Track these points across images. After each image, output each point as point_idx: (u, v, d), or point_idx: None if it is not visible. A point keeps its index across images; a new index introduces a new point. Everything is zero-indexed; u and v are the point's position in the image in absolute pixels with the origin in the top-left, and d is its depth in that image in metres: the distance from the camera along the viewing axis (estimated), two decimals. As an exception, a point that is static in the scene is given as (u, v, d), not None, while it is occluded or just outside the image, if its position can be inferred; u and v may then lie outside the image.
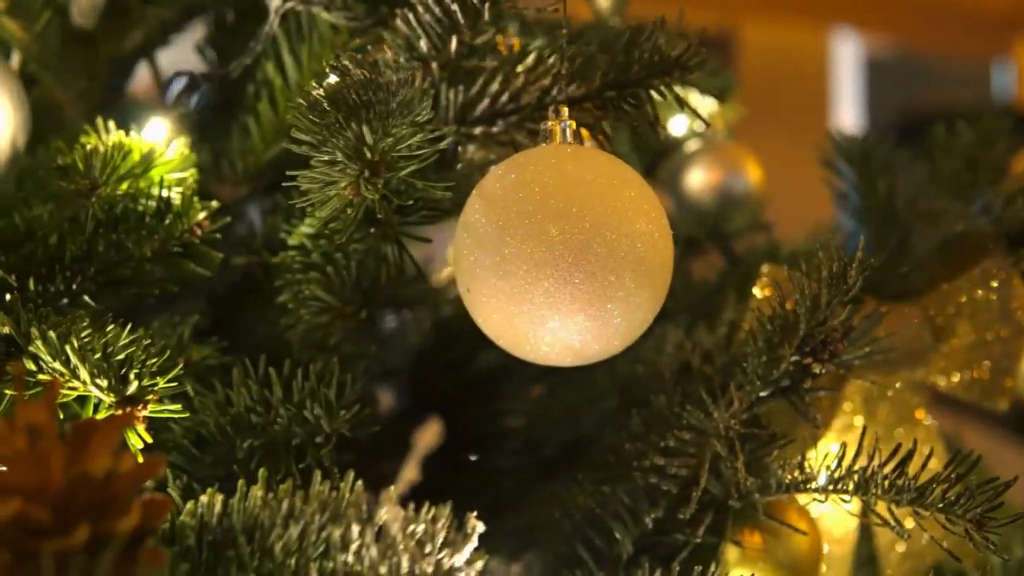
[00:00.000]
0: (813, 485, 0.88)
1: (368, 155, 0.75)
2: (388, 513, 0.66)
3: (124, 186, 0.89)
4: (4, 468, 0.59)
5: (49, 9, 1.09)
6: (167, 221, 0.88)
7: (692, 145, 1.25)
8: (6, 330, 0.79)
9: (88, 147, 0.89)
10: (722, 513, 0.90)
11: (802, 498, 0.93)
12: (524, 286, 0.81)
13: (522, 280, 0.81)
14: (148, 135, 0.94)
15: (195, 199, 0.90)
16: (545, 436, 1.15)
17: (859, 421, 1.09)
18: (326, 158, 0.77)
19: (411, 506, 0.68)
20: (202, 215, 0.90)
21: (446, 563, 0.68)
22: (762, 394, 0.88)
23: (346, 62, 0.83)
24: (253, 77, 1.04)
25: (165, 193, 0.90)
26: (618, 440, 0.96)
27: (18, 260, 0.89)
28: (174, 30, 1.17)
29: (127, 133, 0.93)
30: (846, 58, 4.10)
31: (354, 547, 0.68)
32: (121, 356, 0.76)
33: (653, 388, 1.03)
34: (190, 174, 0.92)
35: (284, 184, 0.83)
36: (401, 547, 0.66)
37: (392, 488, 0.64)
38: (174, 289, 0.89)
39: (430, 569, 0.68)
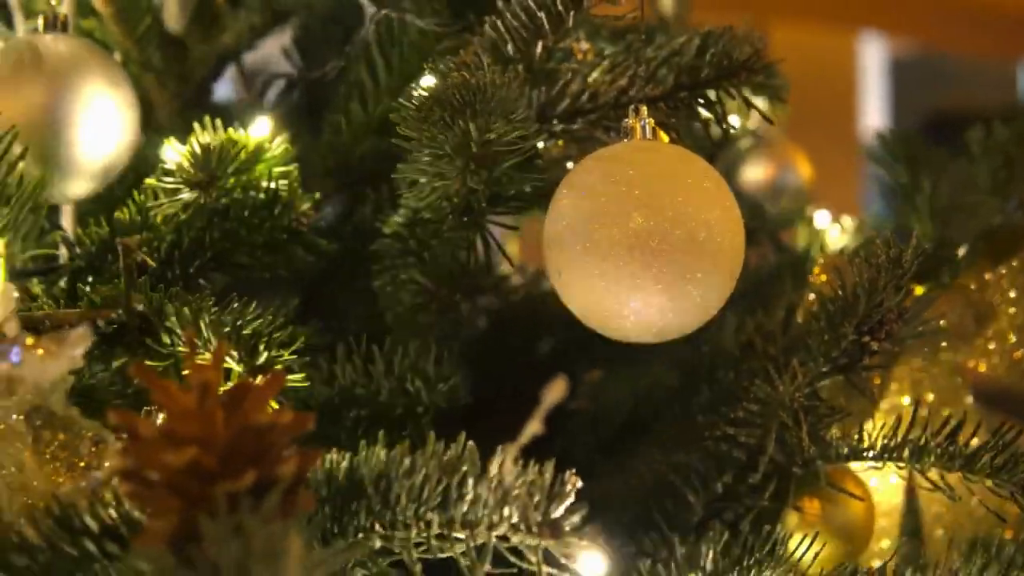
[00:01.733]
0: (871, 453, 0.96)
1: (474, 149, 0.83)
2: (506, 465, 0.74)
3: (235, 179, 0.97)
4: (178, 422, 0.67)
5: (149, 15, 1.17)
6: (276, 211, 0.97)
7: (746, 142, 1.32)
8: (140, 307, 0.87)
9: (203, 143, 0.98)
10: (785, 480, 0.98)
11: (858, 467, 1.00)
12: (611, 270, 0.89)
13: (609, 264, 0.89)
14: (253, 132, 1.02)
15: (300, 191, 0.98)
16: (608, 416, 1.22)
17: (906, 400, 1.17)
18: (430, 153, 0.85)
19: (520, 461, 0.76)
20: (306, 205, 0.98)
21: (552, 513, 0.76)
22: (823, 370, 0.96)
23: (444, 65, 0.91)
24: (344, 78, 1.12)
25: (272, 185, 0.99)
26: (684, 414, 1.04)
27: (138, 246, 0.97)
28: (261, 34, 1.25)
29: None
30: (872, 60, 4.17)
31: (469, 497, 0.76)
32: (249, 330, 0.85)
33: (715, 366, 1.11)
34: (293, 168, 1.00)
35: (373, 177, 0.91)
36: (514, 497, 0.74)
37: (514, 442, 0.72)
38: (283, 274, 0.97)
39: (539, 518, 0.76)
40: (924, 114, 3.79)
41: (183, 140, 1.06)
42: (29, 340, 0.74)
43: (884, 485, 1.13)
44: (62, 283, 0.98)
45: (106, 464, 0.78)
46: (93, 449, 0.78)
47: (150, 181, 1.02)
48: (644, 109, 0.93)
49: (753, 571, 0.92)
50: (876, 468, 0.97)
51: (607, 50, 1.06)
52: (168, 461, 0.66)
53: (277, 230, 0.96)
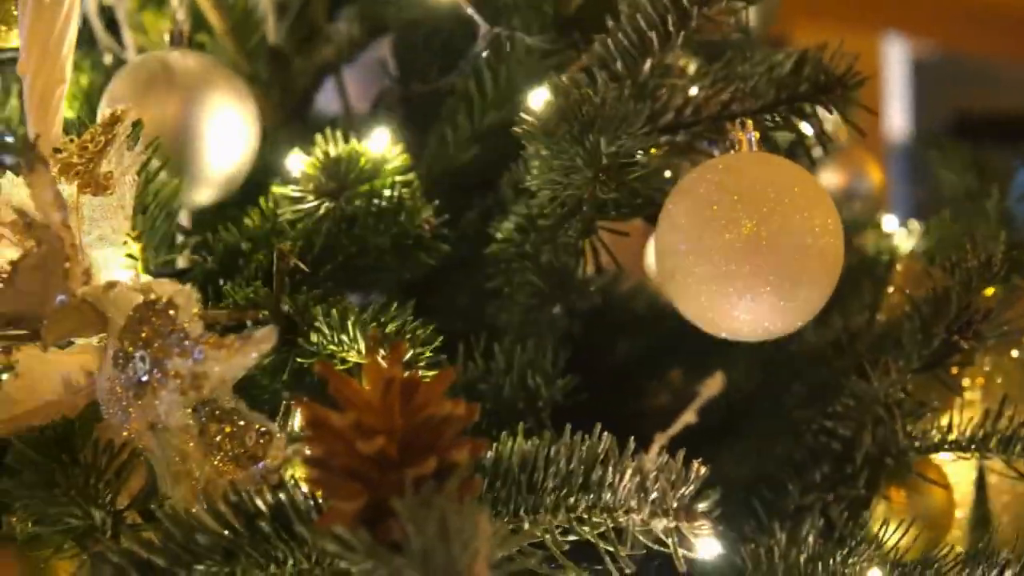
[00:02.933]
0: (958, 444, 1.02)
1: (604, 161, 0.89)
2: (649, 453, 0.80)
3: (361, 188, 1.04)
4: (364, 414, 0.73)
5: (260, 30, 1.24)
6: (402, 217, 1.03)
7: (818, 150, 1.38)
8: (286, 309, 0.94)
9: (331, 153, 1.04)
10: (876, 470, 1.05)
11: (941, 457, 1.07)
12: (722, 274, 0.95)
13: (720, 268, 0.95)
14: (373, 144, 1.08)
15: (421, 198, 1.05)
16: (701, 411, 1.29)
17: (976, 395, 1.23)
18: (559, 165, 0.91)
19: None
20: (428, 212, 1.05)
21: (687, 498, 0.82)
22: (915, 367, 1.02)
23: (562, 81, 0.97)
24: (451, 91, 1.19)
25: (394, 193, 1.05)
26: (774, 409, 1.10)
27: (267, 254, 1.04)
28: (360, 47, 1.31)
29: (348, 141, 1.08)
30: (895, 61, 4.24)
31: (610, 483, 0.82)
32: (391, 328, 0.91)
33: (796, 366, 1.17)
34: (413, 176, 1.07)
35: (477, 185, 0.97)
36: (653, 484, 0.81)
37: (664, 432, 0.78)
38: (407, 277, 1.03)
39: (674, 504, 0.82)
40: (947, 115, 3.84)
41: (288, 150, 1.13)
42: (213, 339, 0.80)
43: (957, 476, 1.20)
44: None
45: (272, 455, 0.84)
46: (260, 441, 0.84)
47: (276, 188, 1.08)
48: (750, 122, 1.00)
49: (850, 556, 0.99)
50: (964, 458, 1.03)
51: (693, 65, 1.13)
52: (359, 449, 0.72)
53: (403, 235, 1.03)
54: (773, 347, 1.24)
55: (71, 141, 0.96)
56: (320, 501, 0.82)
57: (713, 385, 0.73)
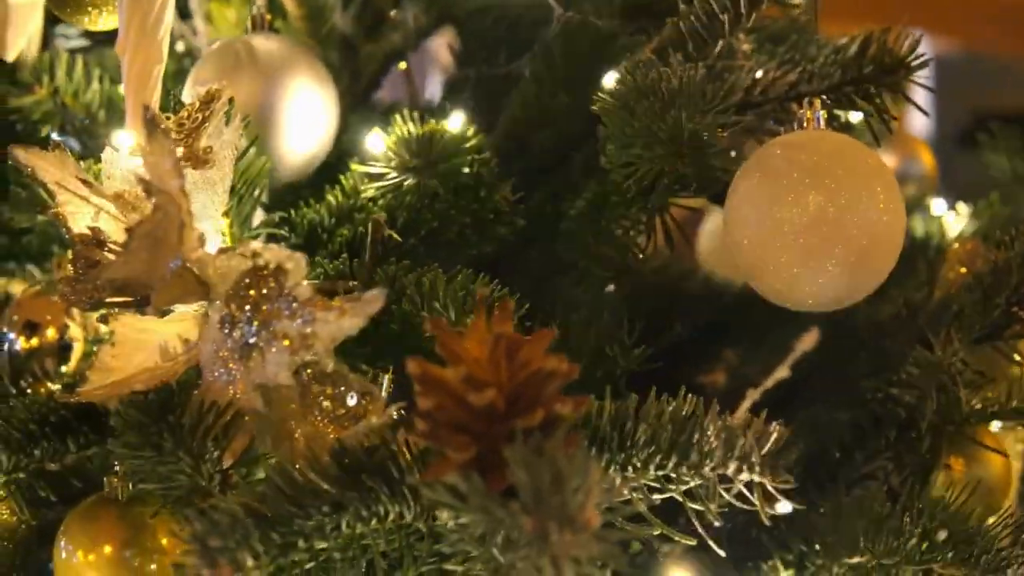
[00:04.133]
0: (1021, 411, 1.06)
1: (685, 136, 0.93)
2: (738, 412, 0.84)
3: (444, 165, 1.08)
4: (475, 369, 0.77)
5: (331, 17, 1.28)
6: (481, 193, 1.07)
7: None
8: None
9: (411, 132, 1.08)
10: (938, 438, 1.08)
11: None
12: (791, 246, 0.99)
13: (789, 241, 0.99)
14: (450, 123, 1.12)
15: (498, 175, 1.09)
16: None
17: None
18: (642, 141, 0.95)
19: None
20: (506, 189, 1.09)
21: (771, 455, 0.86)
22: (976, 337, 1.06)
23: (640, 61, 1.01)
24: (518, 76, 1.23)
25: (472, 171, 1.09)
26: (838, 379, 1.14)
27: (351, 229, 1.08)
28: (427, 34, 1.35)
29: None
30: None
31: (696, 441, 0.86)
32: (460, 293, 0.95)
33: (860, 337, 1.21)
34: (489, 155, 1.11)
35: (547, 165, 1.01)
36: (743, 446, 0.85)
37: (755, 389, 0.82)
38: (487, 250, 1.07)
39: (759, 460, 0.86)
40: (967, 112, 3.87)
41: (356, 134, 1.17)
42: (322, 301, 0.84)
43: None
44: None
45: (372, 415, 0.88)
46: (362, 401, 0.88)
47: (357, 167, 1.12)
48: (818, 102, 1.04)
49: (918, 521, 1.02)
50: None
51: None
52: (471, 402, 0.76)
53: (483, 210, 1.07)
54: (832, 322, 1.28)
55: (168, 118, 1.00)
56: (415, 455, 0.86)
57: (808, 340, 0.77)
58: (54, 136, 1.30)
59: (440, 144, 1.08)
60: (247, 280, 0.87)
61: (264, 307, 0.86)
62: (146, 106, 0.85)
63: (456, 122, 1.12)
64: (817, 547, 1.06)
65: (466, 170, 1.09)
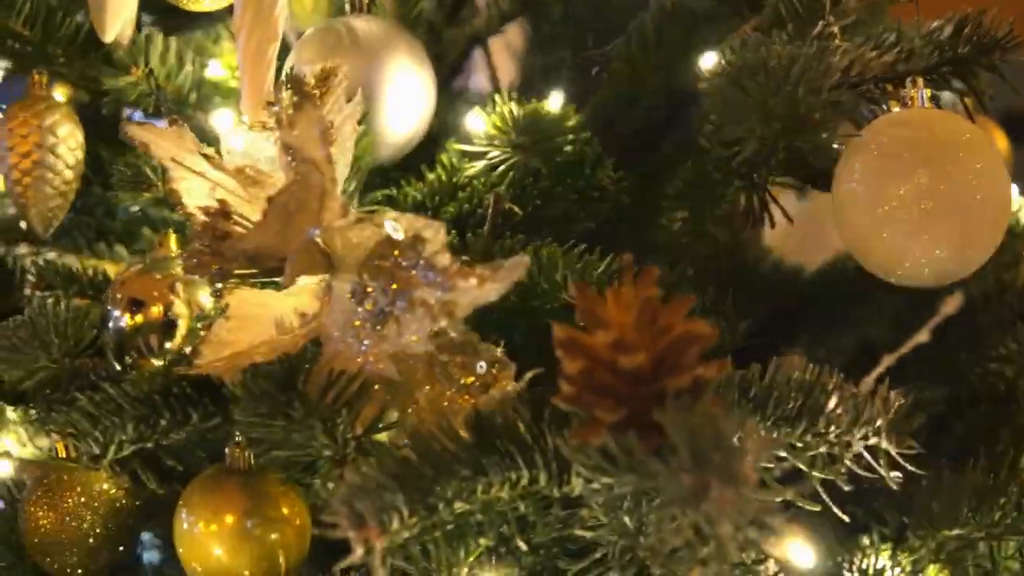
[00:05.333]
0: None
1: (801, 110, 0.95)
2: (869, 378, 0.86)
3: (548, 142, 1.09)
4: (623, 333, 0.78)
5: (420, 2, 1.29)
6: (587, 170, 1.09)
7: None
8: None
9: (513, 111, 1.10)
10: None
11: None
12: (898, 222, 1.01)
13: (896, 217, 1.01)
14: (550, 103, 1.14)
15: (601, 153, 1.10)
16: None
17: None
18: (755, 117, 0.97)
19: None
20: (610, 167, 1.10)
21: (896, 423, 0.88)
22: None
23: (748, 39, 1.03)
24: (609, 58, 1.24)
25: (573, 149, 1.10)
26: (935, 354, 1.15)
27: (456, 206, 1.09)
28: (509, 19, 1.37)
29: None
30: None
31: (822, 408, 0.88)
32: (598, 270, 0.96)
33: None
34: (589, 134, 1.12)
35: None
36: (870, 412, 0.86)
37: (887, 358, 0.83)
38: (591, 226, 1.09)
39: (886, 427, 0.88)
40: (1000, 113, 3.89)
41: (440, 117, 1.19)
42: (461, 269, 0.86)
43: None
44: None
45: (502, 383, 0.90)
46: (492, 370, 0.90)
47: (455, 145, 1.14)
48: (920, 80, 1.05)
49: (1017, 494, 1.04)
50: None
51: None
52: (621, 364, 0.77)
53: (588, 188, 1.08)
54: (910, 302, 1.30)
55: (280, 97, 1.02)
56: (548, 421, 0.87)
57: (952, 303, 0.78)
58: (136, 116, 1.31)
59: (544, 122, 1.09)
60: (382, 249, 0.89)
61: (400, 276, 0.88)
62: (293, 74, 0.86)
63: (555, 102, 1.13)
64: (916, 520, 1.08)
65: (568, 148, 1.10)
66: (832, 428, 0.88)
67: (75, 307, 0.99)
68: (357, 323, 0.91)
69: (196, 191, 1.03)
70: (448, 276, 0.86)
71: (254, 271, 0.93)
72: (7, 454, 1.31)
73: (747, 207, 1.11)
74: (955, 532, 1.06)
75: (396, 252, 0.88)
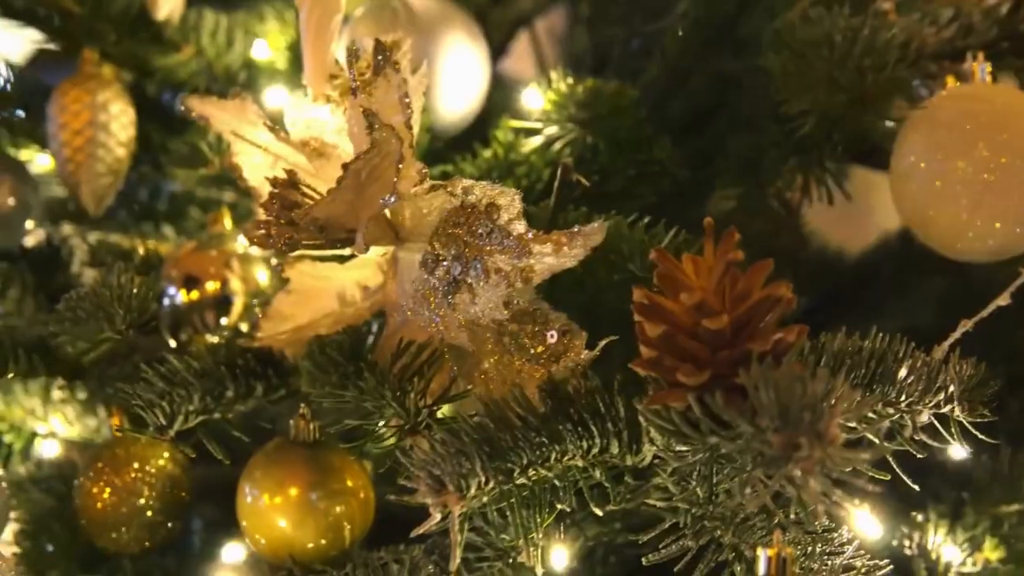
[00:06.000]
0: None
1: (868, 80, 0.95)
2: (943, 345, 0.86)
3: (605, 119, 1.09)
4: (707, 297, 0.78)
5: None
6: (644, 147, 1.09)
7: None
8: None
9: (572, 87, 1.10)
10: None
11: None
12: (959, 195, 1.01)
13: (958, 190, 1.01)
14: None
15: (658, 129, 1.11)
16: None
17: None
18: (823, 87, 0.97)
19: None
20: (666, 143, 1.10)
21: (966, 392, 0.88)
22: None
23: (810, 14, 1.03)
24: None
25: (633, 124, 1.11)
26: (986, 332, 1.15)
27: (514, 182, 1.10)
28: (553, 1, 1.37)
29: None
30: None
31: (894, 376, 0.87)
32: (663, 243, 0.96)
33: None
34: (644, 112, 1.12)
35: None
36: (943, 381, 0.86)
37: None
38: (652, 200, 1.09)
39: (958, 395, 0.88)
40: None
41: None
42: (538, 235, 0.86)
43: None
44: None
45: (573, 352, 0.89)
46: (562, 339, 0.89)
47: (512, 122, 1.14)
48: (981, 55, 1.05)
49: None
50: None
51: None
52: (706, 326, 0.77)
53: (648, 163, 1.08)
54: (959, 287, 1.30)
55: (343, 70, 1.02)
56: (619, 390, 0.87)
57: (1004, 297, 0.79)
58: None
59: (601, 98, 1.09)
60: (455, 218, 0.89)
61: (474, 244, 0.88)
62: (378, 42, 0.86)
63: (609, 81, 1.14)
64: (974, 496, 1.09)
65: (626, 125, 1.10)
66: (904, 396, 0.88)
67: (138, 279, 0.98)
68: (428, 293, 0.91)
69: (257, 165, 1.03)
70: (524, 242, 0.86)
71: (322, 242, 0.92)
72: (54, 434, 1.31)
73: (804, 183, 1.11)
74: (1013, 508, 1.06)
75: (470, 220, 0.88)
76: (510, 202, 0.86)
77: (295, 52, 1.34)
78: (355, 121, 0.90)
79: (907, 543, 1.08)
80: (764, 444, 0.72)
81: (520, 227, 0.86)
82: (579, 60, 1.35)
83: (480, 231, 0.87)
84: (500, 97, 1.27)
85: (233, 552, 1.14)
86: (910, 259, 1.40)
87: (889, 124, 1.14)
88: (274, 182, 0.94)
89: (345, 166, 0.86)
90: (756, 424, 0.73)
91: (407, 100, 0.85)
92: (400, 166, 0.85)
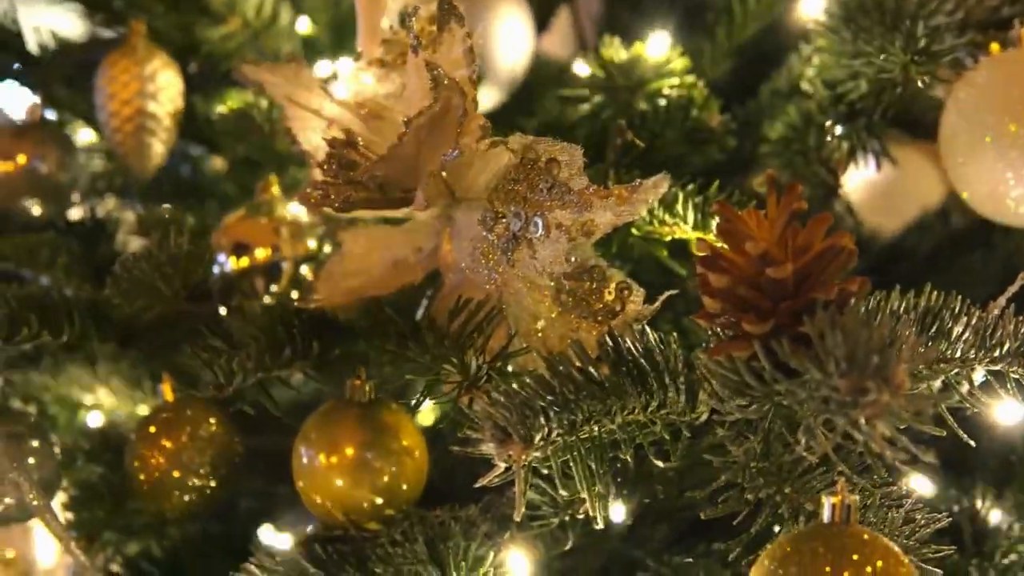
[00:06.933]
0: None
1: (921, 43, 0.96)
2: (998, 301, 0.86)
3: (654, 85, 1.10)
4: (771, 247, 0.79)
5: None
6: (694, 113, 1.09)
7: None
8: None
9: (618, 56, 1.11)
10: None
11: None
12: (1007, 160, 1.01)
13: (1006, 154, 1.01)
14: (652, 47, 1.14)
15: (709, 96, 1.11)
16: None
17: None
18: (877, 48, 0.98)
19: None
20: (716, 110, 1.11)
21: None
22: None
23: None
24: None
25: (680, 92, 1.11)
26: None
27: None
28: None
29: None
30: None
31: (948, 333, 0.88)
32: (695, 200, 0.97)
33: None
34: (694, 79, 1.13)
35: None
36: (998, 337, 0.87)
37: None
38: (701, 167, 1.09)
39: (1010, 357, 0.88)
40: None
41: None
42: (599, 189, 0.86)
43: None
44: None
45: (631, 308, 0.90)
46: (620, 295, 0.90)
47: (559, 91, 1.15)
48: (1030, 20, 1.06)
49: None
50: None
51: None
52: (771, 276, 0.78)
53: (696, 130, 1.09)
54: (1000, 269, 1.31)
55: (396, 34, 1.03)
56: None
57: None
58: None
59: (647, 66, 1.10)
60: (515, 174, 0.89)
61: (535, 199, 0.89)
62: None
63: (659, 46, 1.14)
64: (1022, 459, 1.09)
65: (673, 92, 1.11)
66: (959, 352, 0.88)
67: (193, 242, 0.99)
68: (486, 250, 0.92)
69: (311, 130, 1.03)
70: (585, 197, 0.87)
71: (380, 200, 0.93)
72: (100, 406, 1.32)
73: (851, 150, 1.11)
74: (1065, 472, 1.06)
75: (530, 176, 0.89)
76: (571, 157, 0.87)
77: (336, 28, 1.35)
78: (414, 80, 0.91)
79: (955, 507, 1.08)
80: (831, 389, 0.73)
81: (581, 182, 0.87)
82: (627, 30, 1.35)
83: (541, 187, 0.88)
84: (540, 73, 1.28)
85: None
86: (950, 237, 1.41)
87: (933, 93, 1.15)
88: (332, 142, 0.95)
89: (407, 121, 0.87)
90: (823, 369, 0.73)
91: (472, 54, 0.86)
92: (463, 121, 0.86)
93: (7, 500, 1.05)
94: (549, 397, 0.82)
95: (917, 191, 1.42)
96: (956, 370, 0.89)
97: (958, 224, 1.41)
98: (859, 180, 1.49)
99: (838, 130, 1.10)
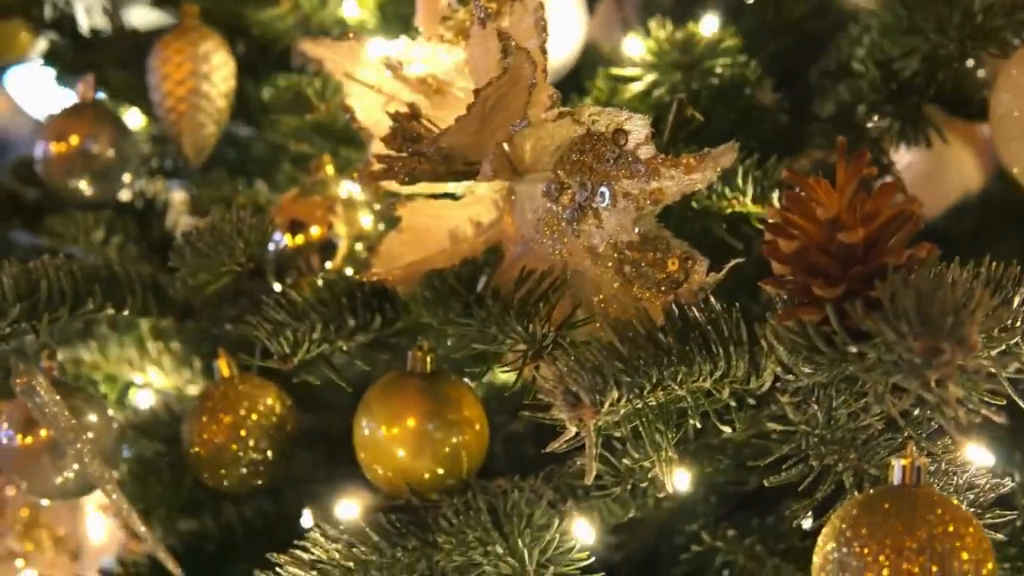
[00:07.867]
0: None
1: (979, 19, 0.97)
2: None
3: (707, 64, 1.11)
4: (841, 213, 0.80)
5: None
6: (747, 91, 1.10)
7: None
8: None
9: (671, 33, 1.12)
10: None
11: None
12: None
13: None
14: (704, 27, 1.16)
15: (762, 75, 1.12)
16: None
17: None
18: (931, 25, 0.99)
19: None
20: (769, 89, 1.12)
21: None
22: None
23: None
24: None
25: (732, 71, 1.12)
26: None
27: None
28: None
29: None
30: None
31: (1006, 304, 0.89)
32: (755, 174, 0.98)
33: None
34: (746, 57, 1.14)
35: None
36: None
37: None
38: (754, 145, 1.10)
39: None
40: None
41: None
42: (666, 158, 0.88)
43: None
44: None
45: (694, 279, 0.91)
46: (684, 266, 0.91)
47: (612, 70, 1.16)
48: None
49: None
50: None
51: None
52: (842, 240, 0.79)
53: (749, 109, 1.10)
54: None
55: (455, 11, 1.04)
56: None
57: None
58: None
59: (700, 44, 1.11)
60: (581, 145, 0.91)
61: (601, 170, 0.90)
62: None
63: (710, 25, 1.15)
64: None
65: (725, 70, 1.12)
66: (1020, 321, 0.89)
67: (256, 215, 1.00)
68: (550, 221, 0.93)
69: (371, 106, 1.05)
70: (652, 166, 0.88)
71: (443, 173, 0.94)
72: (150, 385, 1.33)
73: (901, 129, 1.12)
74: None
75: (597, 147, 0.90)
76: (638, 127, 0.88)
77: (384, 11, 1.36)
78: (479, 53, 0.93)
79: (1008, 480, 1.09)
80: (905, 351, 0.74)
81: (648, 151, 0.88)
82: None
83: (607, 157, 0.89)
84: (588, 55, 1.29)
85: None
86: (992, 219, 1.42)
87: (981, 73, 1.16)
88: (396, 116, 0.96)
89: (477, 91, 0.88)
90: (897, 330, 0.74)
91: (543, 23, 0.87)
92: (532, 91, 0.87)
93: (68, 473, 1.07)
94: (618, 364, 0.84)
95: (960, 174, 1.42)
96: (1016, 339, 0.89)
97: (998, 206, 1.42)
98: (901, 162, 1.50)
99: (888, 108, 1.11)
